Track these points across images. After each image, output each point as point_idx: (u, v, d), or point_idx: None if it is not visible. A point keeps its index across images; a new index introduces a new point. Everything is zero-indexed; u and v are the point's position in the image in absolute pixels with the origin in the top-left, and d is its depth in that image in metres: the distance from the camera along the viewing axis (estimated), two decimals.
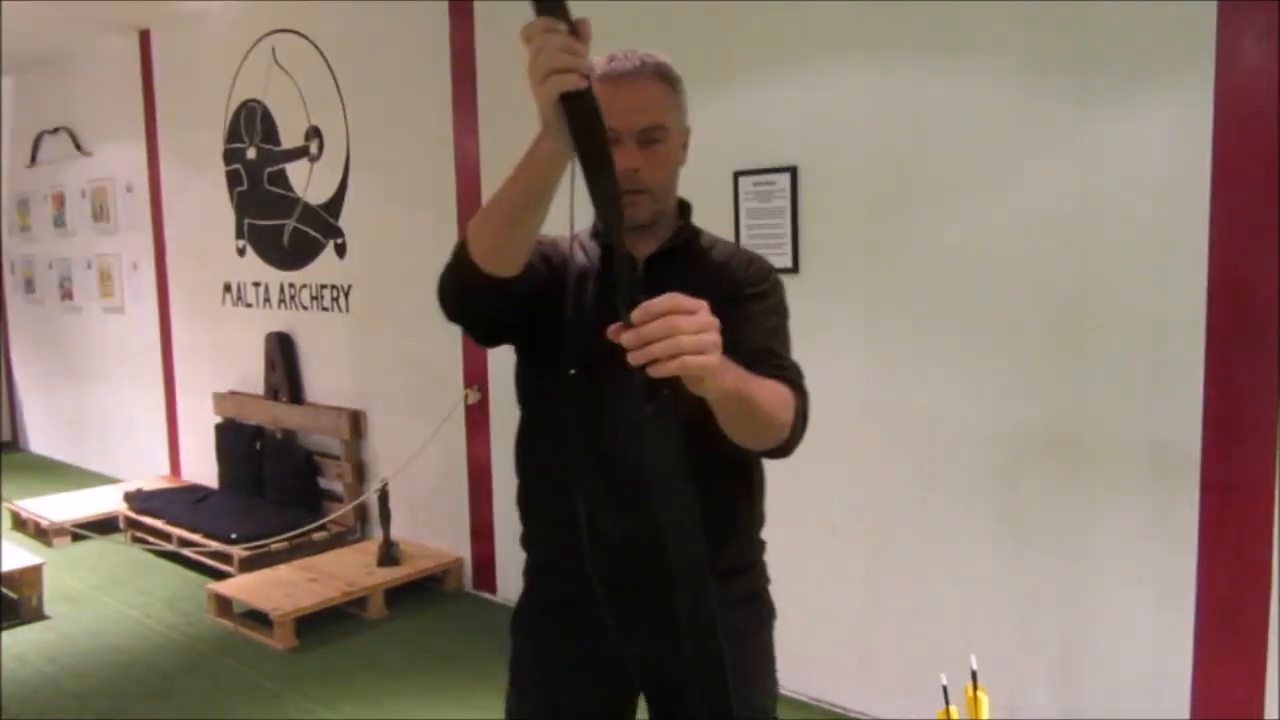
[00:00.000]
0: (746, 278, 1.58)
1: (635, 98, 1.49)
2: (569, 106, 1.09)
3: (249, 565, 4.65)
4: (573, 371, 1.49)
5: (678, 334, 1.06)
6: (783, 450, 1.44)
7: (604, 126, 1.11)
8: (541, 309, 1.50)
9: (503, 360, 4.30)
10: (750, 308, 1.54)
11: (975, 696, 1.68)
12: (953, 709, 1.60)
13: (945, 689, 1.57)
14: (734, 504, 1.62)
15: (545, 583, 1.68)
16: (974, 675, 1.67)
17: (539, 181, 1.25)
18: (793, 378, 1.47)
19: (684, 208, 1.66)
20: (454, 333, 4.78)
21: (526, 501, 1.69)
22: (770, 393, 1.35)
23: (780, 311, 1.60)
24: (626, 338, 1.06)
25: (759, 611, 1.70)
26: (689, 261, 1.60)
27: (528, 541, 1.70)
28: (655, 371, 1.06)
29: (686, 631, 1.17)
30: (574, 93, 1.08)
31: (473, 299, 1.42)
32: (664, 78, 1.53)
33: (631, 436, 1.30)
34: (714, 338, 1.10)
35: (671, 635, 1.21)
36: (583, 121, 1.09)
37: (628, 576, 1.47)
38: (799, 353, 1.56)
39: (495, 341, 1.56)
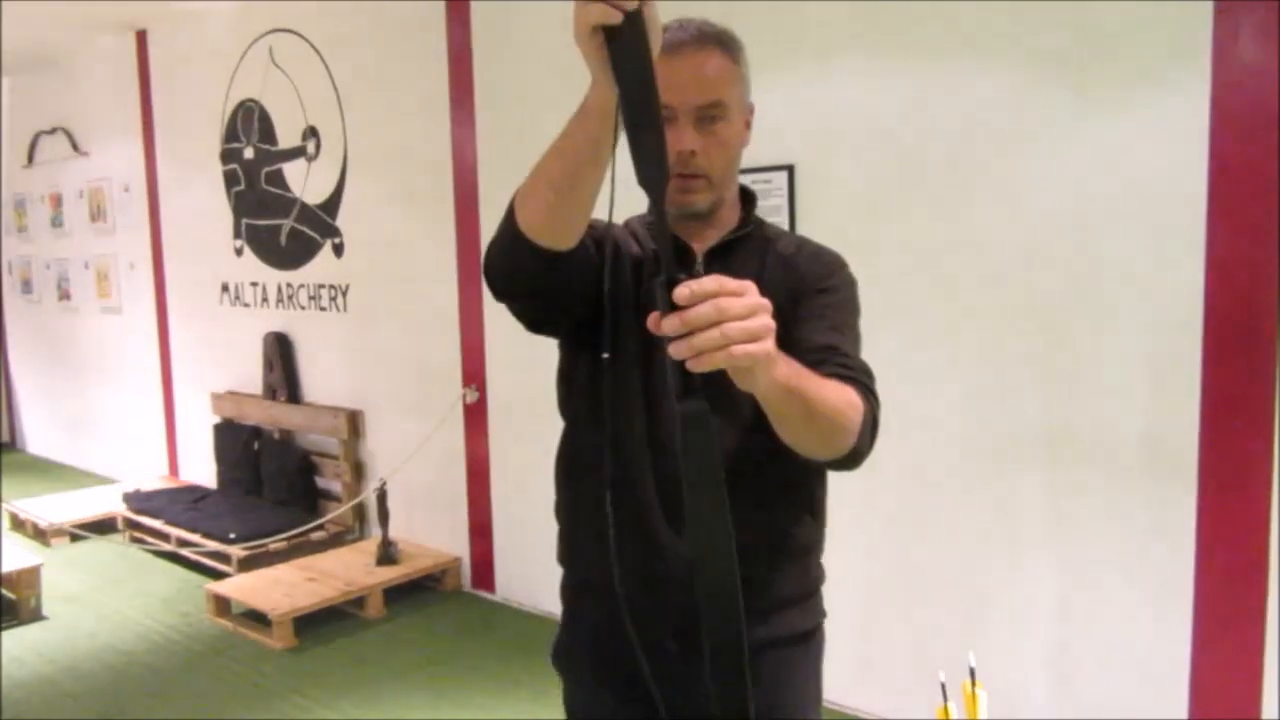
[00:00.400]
0: (814, 272, 1.44)
1: (691, 72, 1.33)
2: (612, 45, 0.95)
3: (247, 565, 4.64)
4: (612, 360, 1.37)
5: (726, 319, 0.91)
6: (849, 460, 1.27)
7: (649, 64, 0.95)
8: (594, 295, 1.37)
9: (500, 359, 4.26)
10: (817, 303, 1.40)
11: (973, 694, 1.67)
12: (950, 706, 1.60)
13: (943, 686, 1.56)
14: (793, 523, 1.45)
15: (586, 606, 1.52)
16: (972, 672, 1.67)
17: (589, 138, 1.10)
18: (861, 379, 1.32)
19: (747, 196, 1.51)
20: (452, 332, 4.82)
21: (568, 511, 1.52)
22: (832, 393, 1.20)
23: (850, 308, 1.46)
24: (668, 323, 0.91)
25: (814, 650, 1.52)
26: (753, 255, 1.44)
27: (566, 558, 1.54)
28: (699, 365, 0.92)
29: (712, 673, 1.04)
30: (614, 26, 0.94)
31: (521, 274, 1.27)
32: (724, 48, 1.37)
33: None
34: (765, 322, 0.95)
35: (699, 676, 1.08)
36: (622, 58, 0.94)
37: (672, 600, 1.34)
38: None
39: (545, 326, 1.42)
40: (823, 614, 1.53)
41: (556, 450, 1.52)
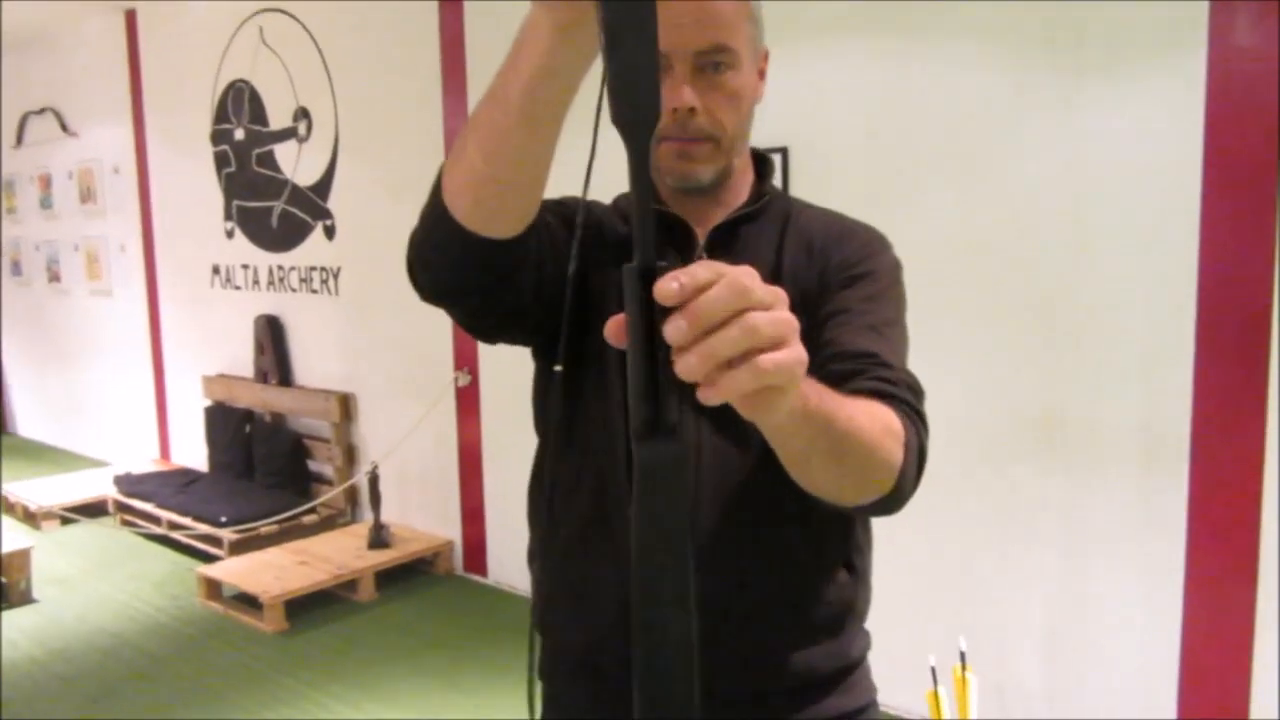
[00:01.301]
0: (846, 254, 1.15)
1: (690, 9, 1.06)
2: None
3: (238, 548, 4.64)
4: (589, 369, 1.12)
5: (748, 314, 0.60)
6: (887, 504, 0.98)
7: None
8: (558, 295, 1.04)
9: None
10: (850, 295, 1.12)
11: (963, 678, 1.67)
12: (941, 690, 1.60)
13: (934, 670, 1.56)
14: (824, 580, 1.15)
15: (561, 686, 1.23)
16: (963, 656, 1.67)
17: (533, 72, 0.79)
18: (904, 396, 1.03)
19: (762, 164, 1.23)
20: (443, 315, 4.75)
21: (540, 560, 1.21)
22: (865, 418, 0.91)
23: (893, 300, 1.17)
24: (673, 330, 0.58)
25: None
26: (769, 236, 1.17)
27: (540, 621, 1.21)
28: (717, 393, 0.61)
29: None
30: None
31: (450, 270, 0.98)
32: None
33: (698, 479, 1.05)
34: (787, 318, 0.64)
35: None
36: None
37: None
38: None
39: (495, 335, 1.12)
40: (872, 692, 1.23)
41: (529, 479, 1.24)
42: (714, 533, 1.10)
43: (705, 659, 1.04)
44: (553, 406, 1.19)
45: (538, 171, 0.90)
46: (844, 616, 1.18)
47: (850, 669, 1.20)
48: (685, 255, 1.16)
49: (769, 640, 1.14)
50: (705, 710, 1.05)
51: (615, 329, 0.62)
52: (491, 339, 1.13)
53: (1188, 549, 2.63)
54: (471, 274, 0.97)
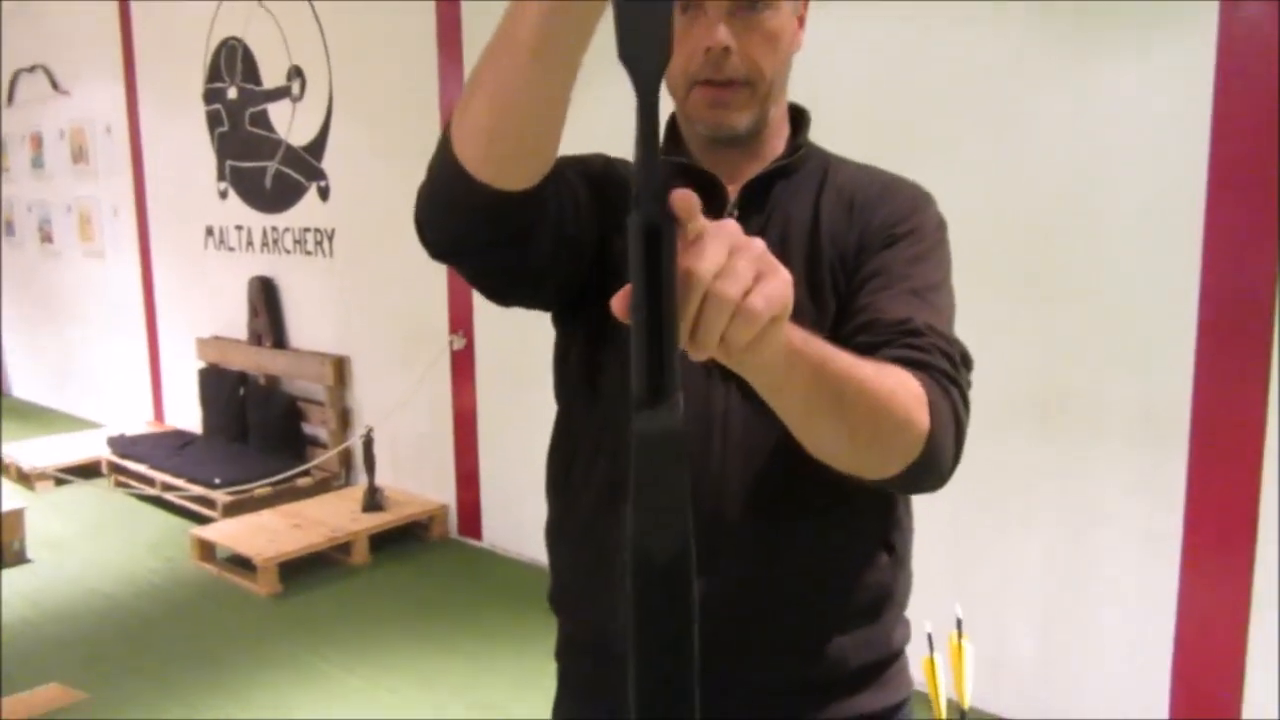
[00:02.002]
0: (887, 212, 1.08)
1: None
2: None
3: (232, 511, 4.63)
4: (615, 333, 0.98)
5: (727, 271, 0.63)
6: (920, 474, 0.90)
7: None
8: (579, 255, 1.01)
9: (488, 306, 4.20)
10: (890, 257, 1.03)
11: (959, 645, 1.67)
12: (936, 658, 1.59)
13: (930, 637, 1.55)
14: (862, 563, 1.09)
15: (573, 666, 1.20)
16: (959, 624, 1.67)
17: (547, 5, 0.74)
18: (936, 363, 0.94)
19: (799, 117, 1.17)
20: (439, 278, 4.76)
21: (555, 536, 1.18)
22: (873, 370, 0.85)
23: (938, 261, 1.07)
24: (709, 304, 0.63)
25: None
26: (804, 193, 1.10)
27: (555, 599, 1.19)
28: (707, 347, 0.64)
29: None
30: None
31: (461, 225, 0.91)
32: None
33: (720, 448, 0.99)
34: (754, 251, 0.66)
35: None
36: None
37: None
38: None
39: (509, 296, 1.04)
40: (909, 687, 1.15)
41: (547, 449, 1.19)
42: (742, 508, 1.03)
43: (732, 648, 1.01)
44: (582, 371, 1.11)
45: (552, 116, 0.82)
46: (882, 602, 1.12)
47: (889, 661, 1.13)
48: (714, 213, 1.06)
49: (801, 626, 1.06)
50: (733, 705, 1.01)
51: (622, 304, 0.61)
52: (505, 301, 1.05)
53: (1185, 523, 2.61)
54: (483, 230, 0.90)
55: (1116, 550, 2.75)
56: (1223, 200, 2.48)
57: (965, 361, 1.00)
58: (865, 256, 1.05)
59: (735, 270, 0.63)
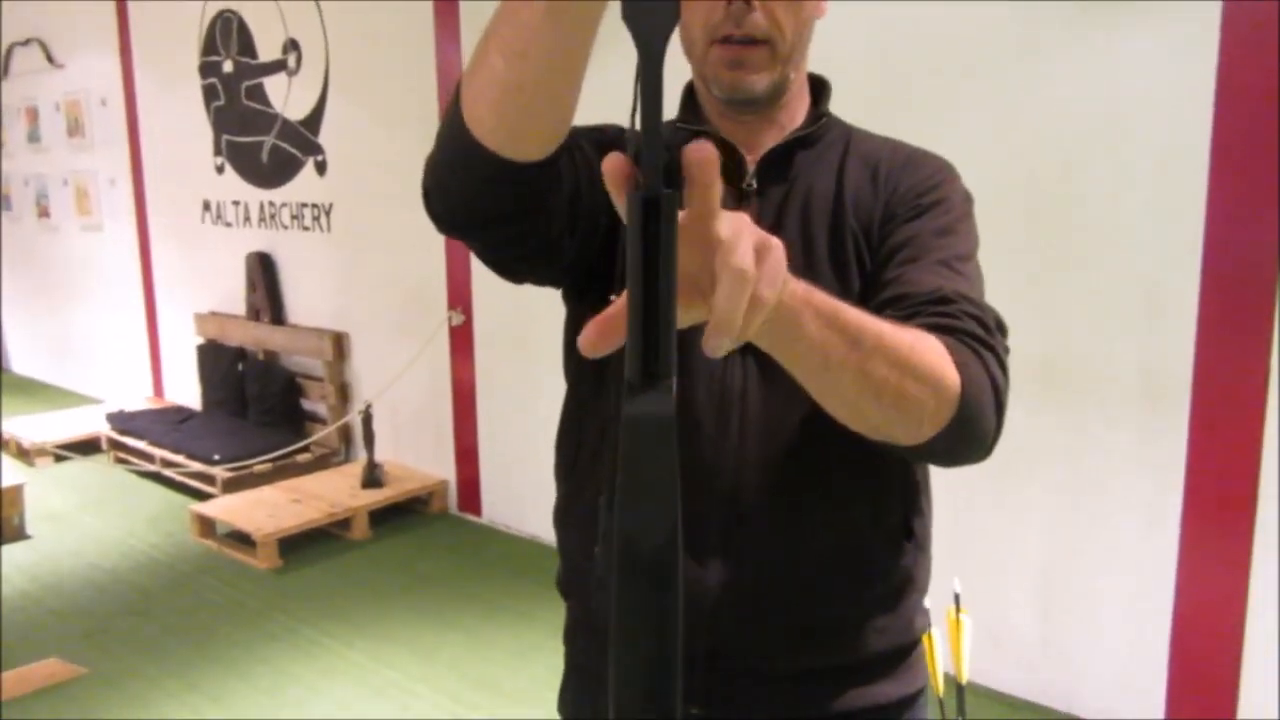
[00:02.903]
0: (912, 183, 1.06)
1: None
2: None
3: (232, 486, 4.63)
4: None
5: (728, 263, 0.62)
6: (956, 438, 0.85)
7: None
8: (592, 227, 0.96)
9: (486, 282, 4.16)
10: (918, 227, 1.02)
11: (958, 620, 1.67)
12: (935, 632, 1.59)
13: (927, 611, 1.56)
14: (883, 545, 1.05)
15: (580, 650, 1.19)
16: (957, 598, 1.66)
17: None
18: (967, 328, 0.90)
19: (819, 87, 1.13)
20: (437, 252, 4.74)
21: (561, 519, 1.16)
22: (892, 326, 0.82)
23: (965, 232, 1.07)
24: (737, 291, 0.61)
25: None
26: (827, 163, 1.07)
27: (563, 583, 1.18)
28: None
29: None
30: None
31: (473, 196, 0.86)
32: None
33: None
34: (740, 226, 0.64)
35: None
36: None
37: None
38: None
39: (520, 271, 0.99)
40: (925, 677, 1.13)
41: (556, 433, 1.17)
42: (761, 489, 1.01)
43: (749, 632, 1.01)
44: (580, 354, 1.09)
45: (568, 79, 0.77)
46: (904, 588, 1.08)
47: (909, 649, 1.11)
48: (732, 184, 1.05)
49: (820, 612, 1.04)
50: (747, 691, 1.01)
51: (590, 337, 0.63)
52: (517, 277, 1.00)
53: (1185, 492, 2.61)
54: (493, 201, 0.85)
55: (1116, 521, 2.75)
56: (1225, 170, 2.46)
57: (1000, 327, 0.97)
58: (891, 226, 1.02)
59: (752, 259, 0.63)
